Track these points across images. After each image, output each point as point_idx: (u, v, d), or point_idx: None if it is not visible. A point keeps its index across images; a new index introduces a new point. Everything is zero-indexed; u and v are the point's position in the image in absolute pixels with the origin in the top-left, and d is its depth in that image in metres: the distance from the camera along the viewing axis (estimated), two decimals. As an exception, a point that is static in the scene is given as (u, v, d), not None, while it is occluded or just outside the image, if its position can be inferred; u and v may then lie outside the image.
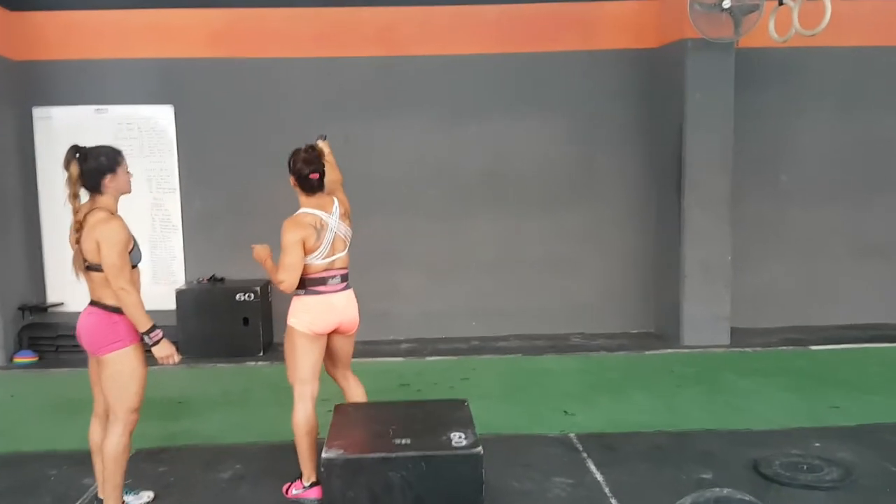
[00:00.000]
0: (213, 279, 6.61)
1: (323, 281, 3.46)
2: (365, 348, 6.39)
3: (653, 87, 6.59)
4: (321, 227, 3.43)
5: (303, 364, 3.43)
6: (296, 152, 3.51)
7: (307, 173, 3.44)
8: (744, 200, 6.51)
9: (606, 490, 3.60)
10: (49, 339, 6.33)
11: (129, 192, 3.34)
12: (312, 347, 3.44)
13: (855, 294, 6.89)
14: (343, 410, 3.45)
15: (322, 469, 2.89)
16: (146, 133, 6.62)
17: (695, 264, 6.29)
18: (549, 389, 5.25)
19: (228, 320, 6.35)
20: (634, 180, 6.76)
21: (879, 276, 6.87)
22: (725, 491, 2.56)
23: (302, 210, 3.48)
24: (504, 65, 6.63)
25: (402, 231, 6.72)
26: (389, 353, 6.31)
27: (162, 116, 6.62)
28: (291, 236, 3.34)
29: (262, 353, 6.38)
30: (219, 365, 6.10)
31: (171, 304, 6.44)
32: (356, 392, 3.73)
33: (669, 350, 6.23)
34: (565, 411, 4.78)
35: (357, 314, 3.64)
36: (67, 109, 6.57)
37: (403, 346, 6.53)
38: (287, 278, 3.33)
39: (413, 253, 6.76)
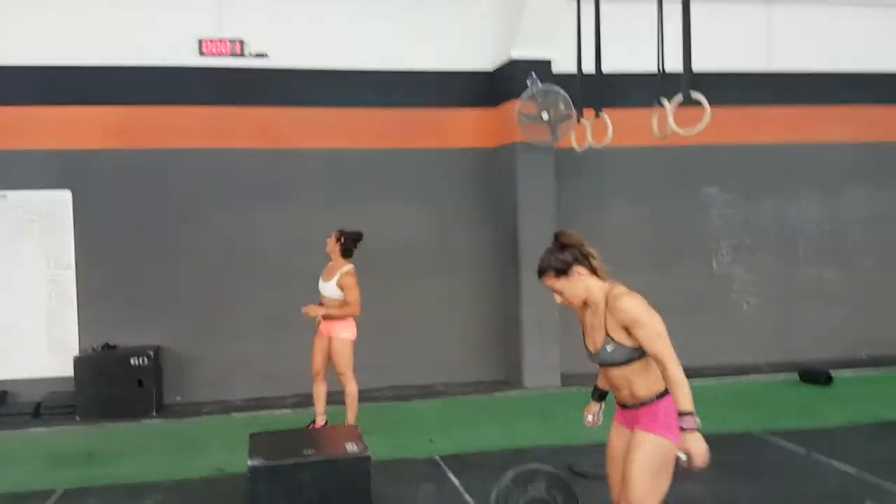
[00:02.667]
0: (106, 346, 7.21)
1: None
2: (253, 404, 7.25)
3: (492, 179, 8.02)
4: None
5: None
6: (352, 234, 6.00)
7: (353, 247, 6.01)
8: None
9: (461, 489, 4.73)
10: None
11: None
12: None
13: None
14: (259, 436, 4.39)
15: (248, 474, 3.81)
16: (45, 216, 7.25)
17: (531, 323, 7.65)
18: (418, 426, 6.31)
19: (123, 383, 6.95)
20: (482, 255, 8.08)
21: (676, 329, 8.47)
22: (536, 465, 3.75)
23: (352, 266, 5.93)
24: (373, 158, 7.84)
25: (287, 299, 7.56)
26: (277, 406, 7.15)
27: (59, 200, 7.28)
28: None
29: (155, 413, 7.03)
30: (117, 424, 6.68)
31: (67, 371, 7.01)
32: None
33: (514, 391, 7.51)
34: (430, 440, 5.89)
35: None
36: (-34, 194, 7.12)
37: (289, 400, 7.38)
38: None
39: (298, 318, 7.65)
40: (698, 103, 4.42)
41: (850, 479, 4.74)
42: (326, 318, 5.95)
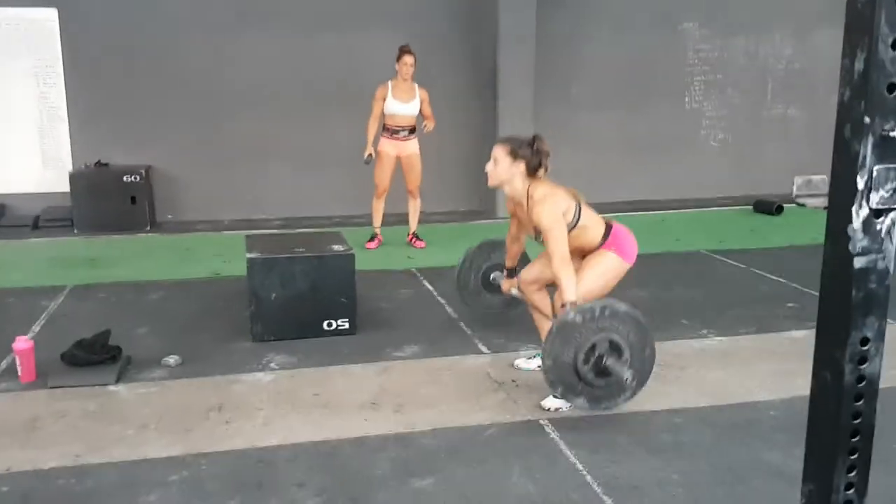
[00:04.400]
0: (98, 164, 7.53)
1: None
2: (241, 224, 7.70)
3: (473, 7, 8.10)
4: None
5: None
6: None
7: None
8: (545, 106, 8.22)
9: (435, 294, 5.31)
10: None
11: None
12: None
13: (629, 178, 8.91)
14: (255, 237, 4.85)
15: (248, 265, 4.28)
16: (32, 33, 7.31)
17: (506, 153, 8.01)
18: (396, 246, 6.81)
19: (117, 199, 7.35)
20: (461, 88, 8.29)
21: (646, 164, 8.91)
22: (500, 238, 4.23)
23: None
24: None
25: (269, 129, 7.88)
26: (264, 227, 7.60)
27: (45, 18, 7.32)
28: None
29: (149, 228, 7.48)
30: (113, 236, 7.14)
31: (63, 187, 7.37)
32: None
33: (488, 220, 8.01)
34: (408, 256, 6.43)
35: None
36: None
37: (275, 222, 7.83)
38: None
39: (279, 147, 7.97)
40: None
41: (778, 286, 5.37)
42: (402, 137, 6.43)
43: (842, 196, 1.02)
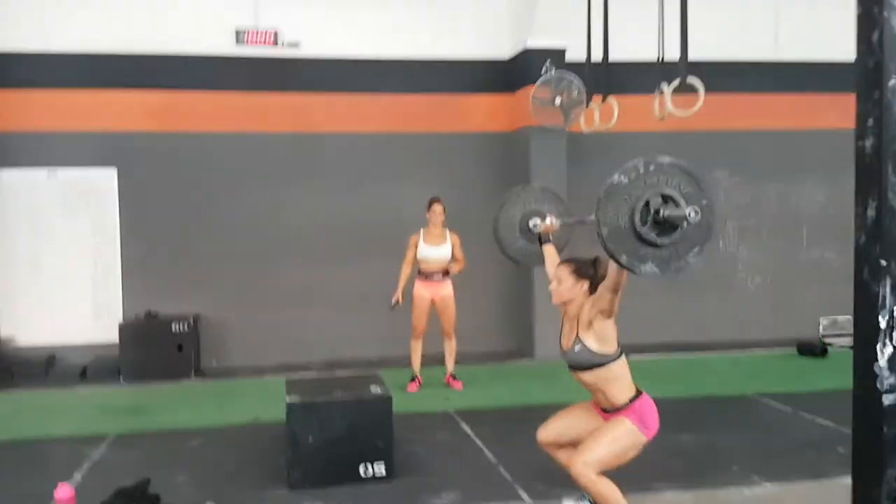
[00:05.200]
0: (148, 314, 7.78)
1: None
2: (283, 368, 7.76)
3: (508, 160, 8.48)
4: None
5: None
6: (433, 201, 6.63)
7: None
8: (577, 251, 8.26)
9: (473, 437, 5.24)
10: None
11: None
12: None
13: (667, 320, 8.86)
14: (294, 381, 4.91)
15: (287, 409, 4.32)
16: (92, 192, 7.82)
17: (543, 298, 8.04)
18: (434, 387, 6.81)
19: (165, 348, 7.52)
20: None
21: (685, 306, 8.87)
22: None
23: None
24: (395, 141, 8.35)
25: (314, 273, 8.16)
26: (305, 370, 7.66)
27: (105, 177, 7.85)
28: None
29: (193, 375, 7.59)
30: (158, 384, 7.25)
31: (111, 337, 7.58)
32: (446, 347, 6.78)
33: (526, 361, 7.99)
34: (446, 398, 6.40)
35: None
36: (23, 172, 7.72)
37: (316, 364, 7.89)
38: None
39: (323, 290, 8.22)
40: (694, 89, 4.85)
41: (827, 431, 5.20)
42: (436, 281, 6.61)
43: (866, 335, 1.07)
